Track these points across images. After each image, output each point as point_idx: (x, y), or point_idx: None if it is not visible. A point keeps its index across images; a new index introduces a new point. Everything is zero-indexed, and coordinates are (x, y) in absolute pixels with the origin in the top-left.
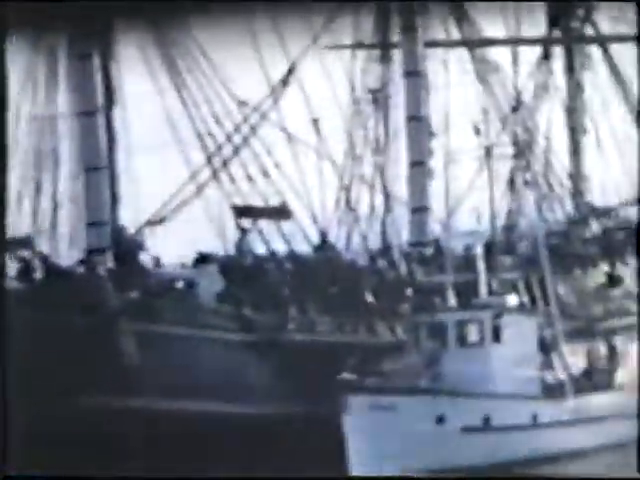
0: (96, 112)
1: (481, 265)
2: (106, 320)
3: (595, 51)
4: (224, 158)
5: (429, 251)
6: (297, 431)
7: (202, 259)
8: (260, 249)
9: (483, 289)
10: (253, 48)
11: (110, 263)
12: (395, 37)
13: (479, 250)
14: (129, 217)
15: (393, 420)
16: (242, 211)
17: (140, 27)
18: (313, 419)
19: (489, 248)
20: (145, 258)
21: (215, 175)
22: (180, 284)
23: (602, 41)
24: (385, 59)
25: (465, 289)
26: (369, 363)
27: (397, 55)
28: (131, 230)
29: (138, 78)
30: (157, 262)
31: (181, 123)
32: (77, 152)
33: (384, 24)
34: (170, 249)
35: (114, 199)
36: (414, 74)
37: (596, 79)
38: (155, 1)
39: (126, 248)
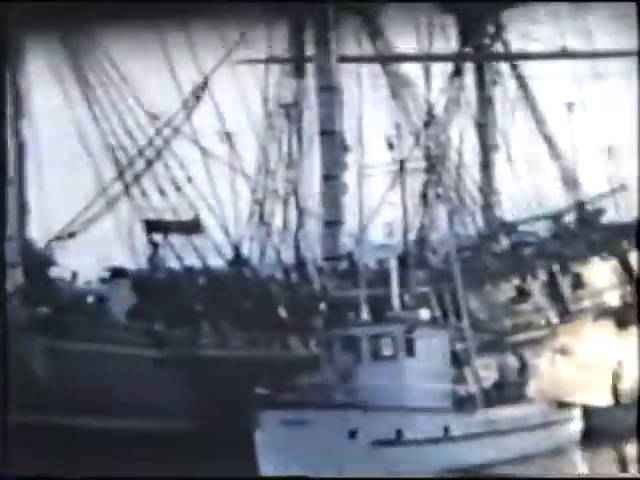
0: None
1: (394, 279)
2: (15, 336)
3: (505, 67)
4: (136, 172)
5: (343, 265)
6: (211, 447)
7: (114, 274)
8: (173, 264)
9: (396, 303)
10: (166, 61)
11: (19, 278)
12: (309, 52)
13: (392, 264)
14: (38, 231)
15: (305, 435)
16: (154, 226)
17: (50, 39)
18: (227, 435)
19: (402, 262)
20: (55, 273)
21: (127, 189)
22: (91, 299)
23: (511, 58)
24: (299, 73)
25: (378, 303)
26: (282, 378)
27: (311, 70)
28: (40, 245)
29: (48, 90)
30: (69, 277)
31: (92, 136)
32: None
33: (298, 38)
34: (81, 264)
35: (22, 212)
36: (327, 89)
37: (506, 95)
38: (66, 14)
39: (35, 263)
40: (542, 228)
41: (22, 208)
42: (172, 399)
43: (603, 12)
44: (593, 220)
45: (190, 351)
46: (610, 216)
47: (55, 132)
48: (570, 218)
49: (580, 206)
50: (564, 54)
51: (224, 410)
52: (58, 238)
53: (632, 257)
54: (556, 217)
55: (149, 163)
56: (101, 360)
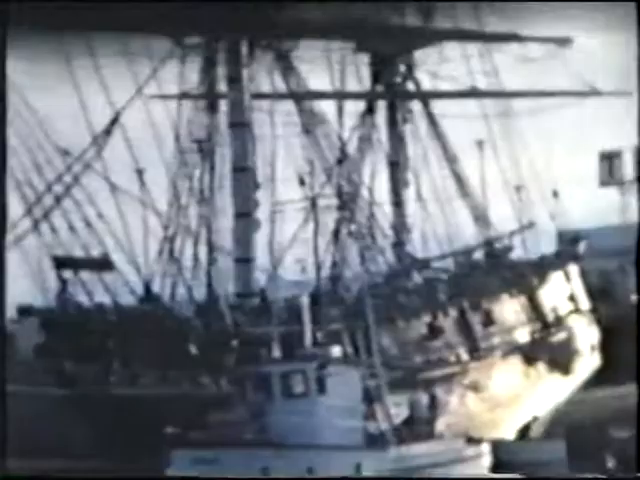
0: None
1: (306, 316)
2: None
3: (416, 106)
4: (45, 208)
5: (255, 302)
6: None
7: (21, 311)
8: (83, 300)
9: (308, 340)
10: (77, 97)
11: None
12: (222, 88)
13: (304, 301)
14: None
15: (217, 473)
16: (63, 262)
17: None
18: (138, 474)
19: (314, 299)
20: None
21: (35, 225)
22: None
23: (422, 97)
24: (211, 109)
25: (290, 340)
26: (194, 416)
27: (223, 106)
28: None
29: None
30: None
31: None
32: None
33: (210, 74)
34: None
35: None
36: (240, 125)
37: (417, 133)
38: None
39: None
40: (453, 265)
41: None
42: (82, 438)
43: (511, 53)
44: (503, 257)
45: (100, 389)
46: (519, 253)
47: None
48: (480, 255)
49: (490, 243)
50: (473, 93)
51: (135, 449)
52: None
53: (540, 294)
54: (466, 254)
55: (58, 199)
56: (9, 399)
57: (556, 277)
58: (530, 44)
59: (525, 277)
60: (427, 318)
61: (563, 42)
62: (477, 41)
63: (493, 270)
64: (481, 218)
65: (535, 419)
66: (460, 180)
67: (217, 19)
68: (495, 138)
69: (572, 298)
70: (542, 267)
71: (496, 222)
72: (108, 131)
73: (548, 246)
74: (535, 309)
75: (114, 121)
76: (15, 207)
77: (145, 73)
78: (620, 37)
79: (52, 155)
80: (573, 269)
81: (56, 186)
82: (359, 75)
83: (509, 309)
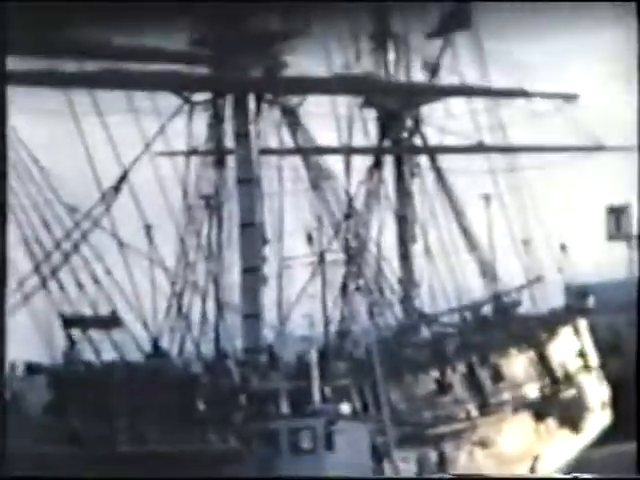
0: None
1: (314, 372)
2: None
3: (423, 161)
4: (53, 265)
5: (263, 358)
6: None
7: (30, 370)
8: (91, 358)
9: (316, 396)
10: (85, 154)
11: None
12: (229, 143)
13: (312, 356)
14: None
15: None
16: (71, 321)
17: None
18: None
19: (322, 354)
20: None
21: (43, 283)
22: (7, 396)
23: (429, 152)
24: (219, 165)
25: (298, 396)
26: (202, 473)
27: (231, 161)
28: None
29: None
30: None
31: (8, 229)
32: None
33: (218, 130)
34: None
35: None
36: (248, 180)
37: (424, 188)
38: None
39: None
40: (461, 319)
41: None
42: None
43: (517, 108)
44: (511, 311)
45: (108, 447)
46: (527, 307)
47: None
48: (488, 309)
49: (498, 297)
50: (480, 148)
51: None
52: None
53: (549, 349)
54: (474, 309)
55: (66, 256)
56: (17, 458)
57: (565, 332)
58: (536, 99)
59: (534, 332)
60: (436, 373)
61: (569, 97)
62: (483, 97)
63: (502, 325)
64: (489, 272)
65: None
66: (468, 234)
67: (224, 77)
68: (502, 192)
69: (581, 353)
70: (551, 322)
71: (504, 276)
72: (116, 188)
73: (556, 300)
74: (544, 364)
75: (122, 178)
76: (23, 264)
77: (153, 130)
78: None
79: (60, 212)
80: (582, 324)
81: (64, 243)
82: (366, 130)
83: (518, 364)
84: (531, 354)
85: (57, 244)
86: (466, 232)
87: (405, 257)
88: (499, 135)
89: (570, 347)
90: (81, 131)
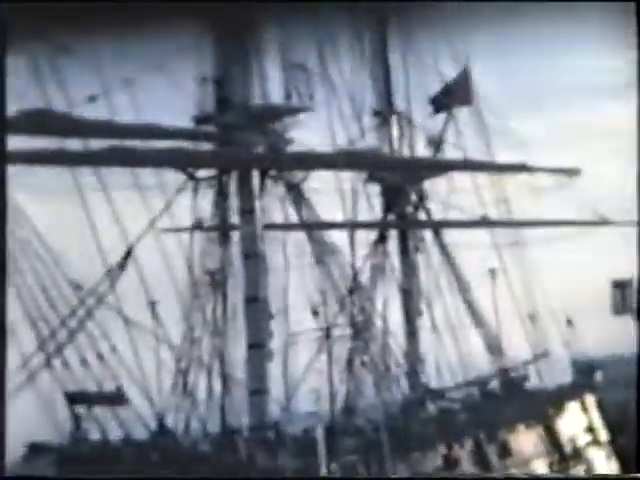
0: None
1: (321, 448)
2: None
3: (428, 235)
4: (58, 343)
5: (270, 434)
6: None
7: (34, 450)
8: (96, 436)
9: (323, 472)
10: (90, 230)
11: None
12: (234, 219)
13: (319, 433)
14: None
15: None
16: (76, 398)
17: None
18: None
19: (329, 430)
20: None
21: (48, 361)
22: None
23: (434, 226)
24: (224, 241)
25: (306, 472)
26: None
27: (236, 237)
28: None
29: None
30: None
31: (13, 307)
32: None
33: (223, 206)
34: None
35: None
36: (252, 256)
37: (429, 262)
38: None
39: None
40: (467, 395)
41: None
42: None
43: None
44: (518, 386)
45: None
46: (534, 382)
47: None
48: (495, 385)
49: (504, 373)
50: (484, 222)
51: None
52: None
53: (557, 425)
54: (481, 384)
55: (71, 334)
56: None
57: (573, 407)
58: (539, 174)
59: (541, 407)
60: (443, 449)
61: (572, 172)
62: (487, 171)
63: (509, 400)
64: (495, 347)
65: None
66: (473, 309)
67: (228, 153)
68: (507, 267)
69: (590, 429)
70: (558, 397)
71: (510, 351)
72: (121, 265)
73: (563, 375)
74: (552, 440)
75: (127, 255)
76: (28, 343)
77: (158, 206)
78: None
79: (66, 290)
80: (589, 399)
81: (70, 321)
82: (370, 205)
83: (526, 440)
84: (539, 430)
85: (62, 322)
86: (471, 306)
87: (411, 331)
88: (503, 209)
89: (578, 423)
90: (86, 208)
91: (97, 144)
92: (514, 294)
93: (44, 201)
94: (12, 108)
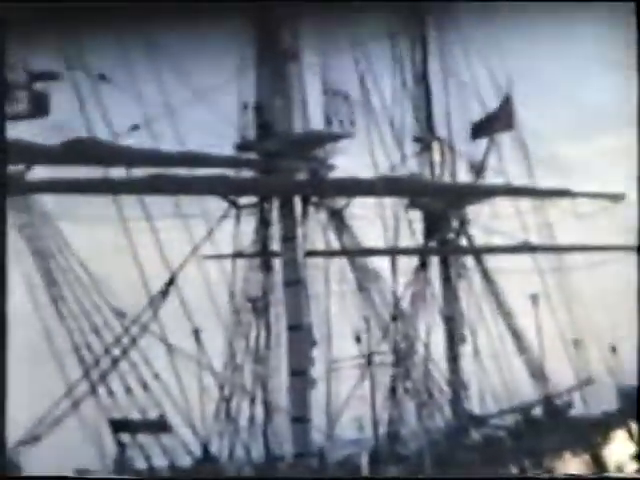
0: None
1: (365, 475)
2: None
3: (469, 261)
4: (102, 371)
5: (313, 462)
6: None
7: (78, 477)
8: (140, 464)
9: None
10: (133, 258)
11: None
12: (276, 246)
13: (363, 460)
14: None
15: None
16: (120, 425)
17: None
18: None
19: (373, 457)
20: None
21: (93, 389)
22: None
23: (476, 252)
24: (266, 268)
25: None
26: None
27: (277, 264)
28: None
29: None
30: None
31: (59, 336)
32: None
33: (264, 233)
34: (46, 468)
35: None
36: (294, 283)
37: (471, 288)
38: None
39: None
40: (512, 421)
41: None
42: None
43: (563, 208)
44: (563, 414)
45: None
46: (579, 409)
47: (22, 333)
48: (539, 411)
49: (549, 399)
50: (527, 248)
51: None
52: (22, 443)
53: (604, 452)
54: (525, 410)
55: (115, 361)
56: None
57: (619, 435)
58: (582, 199)
59: (587, 435)
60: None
61: (616, 197)
62: (529, 197)
63: (554, 427)
64: (538, 373)
65: None
66: (516, 335)
67: (270, 180)
68: (550, 292)
69: (637, 457)
70: (604, 425)
71: (554, 377)
72: (164, 292)
73: (609, 402)
74: (599, 468)
75: (170, 282)
76: (73, 371)
77: (200, 233)
78: None
79: (109, 317)
80: (635, 427)
81: (114, 349)
82: (412, 231)
83: (572, 468)
84: (586, 458)
85: (106, 349)
86: (515, 332)
87: (453, 358)
88: (546, 234)
89: (625, 450)
90: (129, 236)
91: (140, 172)
92: (557, 320)
93: (88, 230)
94: (57, 138)
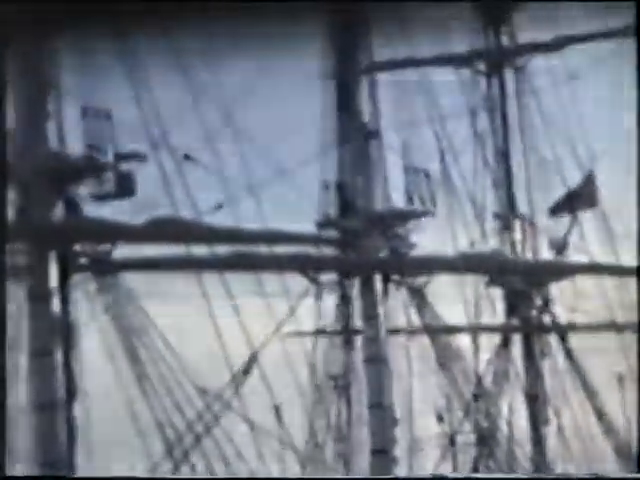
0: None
1: None
2: None
3: (553, 339)
4: (185, 448)
5: None
6: None
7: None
8: None
9: None
10: (216, 336)
11: None
12: (357, 323)
13: None
14: None
15: None
16: None
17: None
18: None
19: None
20: None
21: (176, 467)
22: None
23: (559, 330)
24: (347, 345)
25: None
26: None
27: (359, 341)
28: None
29: (98, 363)
30: None
31: (142, 414)
32: None
33: (346, 311)
34: None
35: None
36: (376, 361)
37: (555, 367)
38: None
39: None
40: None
41: None
42: None
43: None
44: None
45: None
46: None
47: (105, 412)
48: None
49: None
50: (611, 326)
51: None
52: None
53: None
54: None
55: (198, 438)
56: None
57: None
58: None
59: None
60: None
61: None
62: (612, 274)
63: None
64: (625, 454)
65: None
66: (602, 416)
67: (350, 258)
68: (635, 371)
69: None
70: None
71: None
72: (246, 370)
73: None
74: None
75: (252, 360)
76: (156, 448)
77: (281, 310)
78: None
79: (192, 394)
80: None
81: (196, 425)
82: (494, 308)
83: None
84: None
85: (189, 426)
86: (600, 413)
87: (537, 438)
88: (630, 312)
89: None
90: (212, 314)
91: (222, 250)
92: None
93: (171, 307)
94: (142, 217)
